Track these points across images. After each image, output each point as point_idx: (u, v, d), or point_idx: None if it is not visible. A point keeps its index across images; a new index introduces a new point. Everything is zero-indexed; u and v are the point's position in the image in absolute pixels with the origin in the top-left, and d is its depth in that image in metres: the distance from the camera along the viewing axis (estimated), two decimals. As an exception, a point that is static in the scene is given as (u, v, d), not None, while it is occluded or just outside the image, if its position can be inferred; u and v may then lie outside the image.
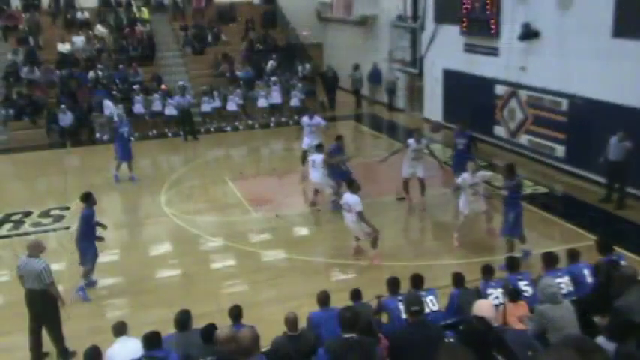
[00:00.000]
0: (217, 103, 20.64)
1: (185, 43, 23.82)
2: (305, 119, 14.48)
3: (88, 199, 9.51)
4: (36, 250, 7.70)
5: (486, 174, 10.97)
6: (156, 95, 20.04)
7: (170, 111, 19.60)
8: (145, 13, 24.65)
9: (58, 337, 7.56)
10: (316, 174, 12.35)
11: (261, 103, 20.89)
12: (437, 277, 8.31)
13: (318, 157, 12.30)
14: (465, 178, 10.44)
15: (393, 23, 21.11)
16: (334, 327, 5.51)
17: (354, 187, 10.08)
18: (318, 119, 14.50)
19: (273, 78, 21.43)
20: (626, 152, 11.57)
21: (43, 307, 7.57)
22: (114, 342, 6.17)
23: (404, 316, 5.95)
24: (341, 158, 12.58)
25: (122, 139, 15.20)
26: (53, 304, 7.58)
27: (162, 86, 20.59)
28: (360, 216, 9.89)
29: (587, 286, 6.99)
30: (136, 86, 20.49)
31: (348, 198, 10.01)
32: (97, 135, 19.56)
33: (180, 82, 20.62)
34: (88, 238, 9.41)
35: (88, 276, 9.53)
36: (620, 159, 11.64)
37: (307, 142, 14.07)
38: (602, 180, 12.59)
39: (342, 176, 12.36)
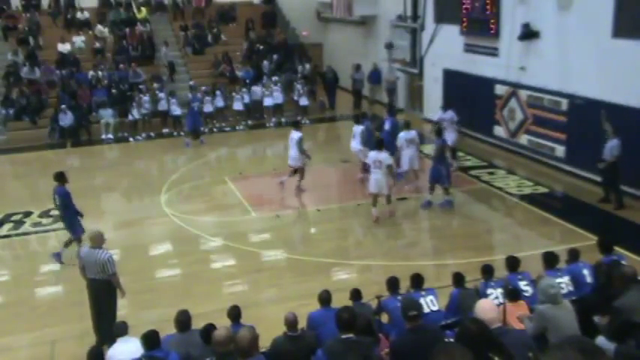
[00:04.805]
0: (220, 103, 20.66)
1: (185, 43, 23.84)
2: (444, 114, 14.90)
3: (60, 177, 10.35)
4: (98, 241, 7.82)
5: None
6: (162, 95, 20.07)
7: (174, 110, 19.70)
8: (145, 12, 24.66)
9: (109, 325, 7.52)
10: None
11: (267, 102, 20.99)
12: (437, 277, 8.31)
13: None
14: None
15: (393, 23, 21.11)
16: (334, 327, 5.51)
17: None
18: (451, 113, 14.90)
19: (275, 78, 21.47)
20: (613, 150, 11.61)
21: (105, 295, 7.81)
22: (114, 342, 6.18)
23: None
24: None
25: (192, 112, 18.36)
26: (113, 293, 7.85)
27: (155, 85, 20.67)
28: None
29: (588, 286, 6.99)
30: (142, 86, 20.58)
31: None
32: (103, 136, 19.54)
33: (191, 82, 20.84)
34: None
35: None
36: (611, 158, 11.70)
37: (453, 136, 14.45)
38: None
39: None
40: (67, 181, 10.39)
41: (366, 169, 13.35)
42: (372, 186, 11.83)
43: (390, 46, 21.60)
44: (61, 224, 12.42)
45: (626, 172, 12.14)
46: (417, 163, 13.56)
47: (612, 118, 12.16)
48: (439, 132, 12.54)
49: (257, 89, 21.12)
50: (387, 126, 14.63)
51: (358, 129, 14.09)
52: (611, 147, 11.66)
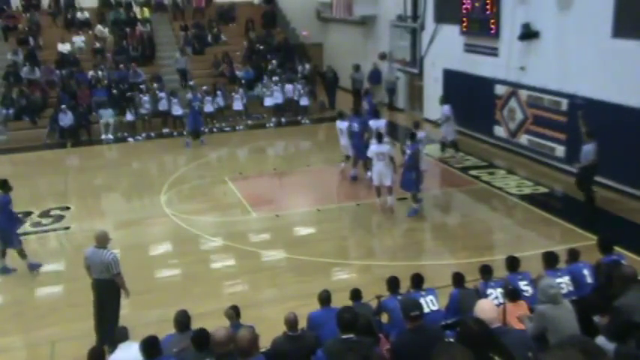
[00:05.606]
0: (221, 102, 20.66)
1: (185, 43, 23.83)
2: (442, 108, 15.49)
3: (3, 186, 10.10)
4: (103, 241, 7.81)
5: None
6: (162, 95, 20.06)
7: (176, 110, 19.72)
8: (146, 12, 24.69)
9: (113, 326, 7.43)
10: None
11: (267, 102, 21.01)
12: (437, 277, 8.30)
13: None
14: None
15: (393, 23, 21.11)
16: (334, 327, 5.51)
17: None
18: (447, 107, 15.42)
19: (275, 78, 21.47)
20: (588, 155, 11.56)
21: (108, 296, 7.80)
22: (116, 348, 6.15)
23: (404, 317, 5.94)
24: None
25: (193, 111, 18.30)
26: (117, 293, 7.83)
27: (155, 85, 20.73)
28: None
29: (588, 286, 6.98)
30: (142, 86, 20.59)
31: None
32: (102, 136, 19.51)
33: (191, 82, 20.80)
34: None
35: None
36: (586, 162, 11.64)
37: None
38: (602, 180, 12.55)
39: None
40: (10, 189, 10.29)
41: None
42: (374, 178, 12.23)
43: (383, 57, 21.64)
44: (60, 224, 12.46)
45: (626, 172, 12.15)
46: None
47: (612, 118, 12.17)
48: (413, 137, 12.26)
49: (289, 87, 21.22)
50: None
51: (382, 123, 14.24)
52: (587, 151, 11.59)
